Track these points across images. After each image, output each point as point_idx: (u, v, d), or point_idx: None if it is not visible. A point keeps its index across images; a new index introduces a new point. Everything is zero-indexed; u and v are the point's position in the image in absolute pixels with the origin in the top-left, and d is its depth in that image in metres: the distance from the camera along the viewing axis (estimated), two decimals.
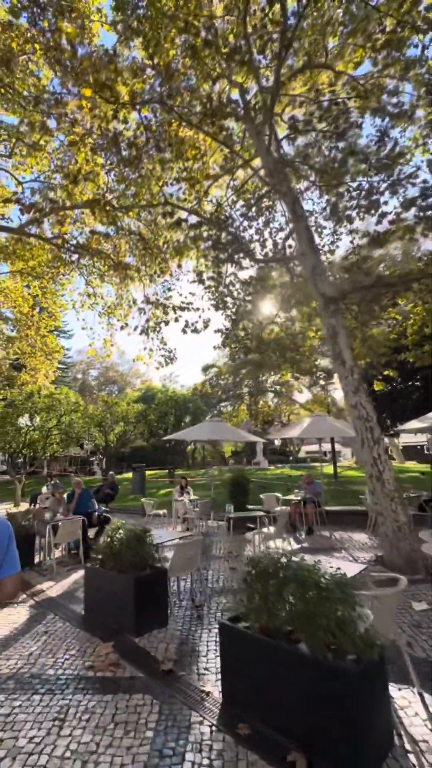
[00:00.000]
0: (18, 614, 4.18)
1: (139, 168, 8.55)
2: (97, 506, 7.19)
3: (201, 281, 9.30)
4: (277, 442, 41.04)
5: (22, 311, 13.91)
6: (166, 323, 10.59)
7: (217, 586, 4.78)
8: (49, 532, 5.97)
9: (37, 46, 8.12)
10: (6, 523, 1.60)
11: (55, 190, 8.70)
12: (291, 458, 41.45)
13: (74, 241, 11.03)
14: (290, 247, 9.83)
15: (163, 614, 3.72)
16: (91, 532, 6.79)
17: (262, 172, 9.12)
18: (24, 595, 4.74)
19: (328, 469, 23.29)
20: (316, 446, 44.87)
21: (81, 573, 5.58)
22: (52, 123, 10.24)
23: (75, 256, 11.14)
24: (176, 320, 10.42)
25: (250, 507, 8.73)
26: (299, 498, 8.10)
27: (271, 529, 6.00)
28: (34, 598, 4.61)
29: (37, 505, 13.03)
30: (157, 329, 10.75)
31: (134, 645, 3.33)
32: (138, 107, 7.30)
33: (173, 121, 8.04)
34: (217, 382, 33.61)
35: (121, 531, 4.03)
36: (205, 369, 34.86)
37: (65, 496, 7.06)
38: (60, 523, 5.99)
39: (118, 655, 3.16)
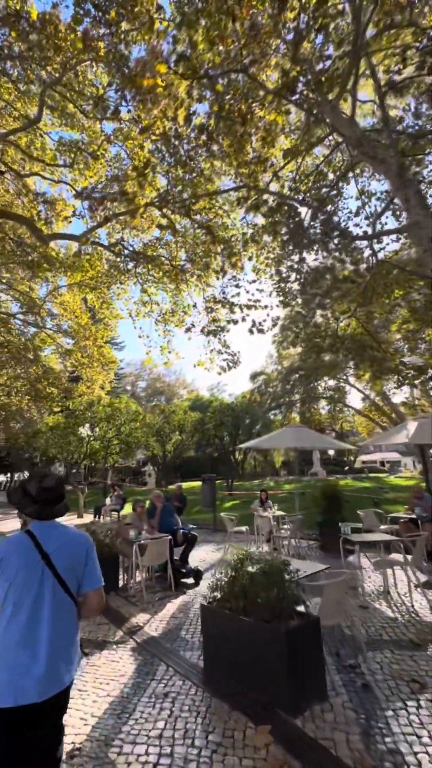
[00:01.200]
0: (122, 660, 3.39)
1: (208, 156, 7.97)
2: (180, 522, 6.41)
3: (278, 272, 8.43)
4: (330, 452, 38.94)
5: (80, 323, 13.96)
6: (235, 322, 9.86)
7: (361, 635, 3.70)
8: (135, 553, 5.25)
9: (101, 44, 7.91)
10: (85, 535, 1.54)
11: (124, 181, 8.31)
12: (347, 468, 38.89)
13: (131, 248, 10.81)
14: (361, 230, 8.73)
15: (320, 682, 2.74)
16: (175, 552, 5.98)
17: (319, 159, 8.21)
18: (120, 632, 3.98)
19: (390, 480, 21.09)
20: (373, 456, 41.66)
21: (176, 603, 4.77)
22: (108, 129, 10.14)
23: (131, 264, 10.91)
24: (243, 319, 9.67)
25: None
26: (412, 516, 6.80)
27: (408, 557, 4.82)
28: (134, 638, 3.82)
29: (102, 517, 12.66)
30: (226, 330, 10.07)
31: (297, 731, 2.38)
32: (213, 81, 6.67)
33: (249, 99, 7.38)
34: (266, 390, 32.40)
35: (248, 562, 3.15)
36: (254, 377, 33.79)
37: (146, 511, 6.35)
38: (147, 543, 5.25)
39: (283, 749, 2.22)
